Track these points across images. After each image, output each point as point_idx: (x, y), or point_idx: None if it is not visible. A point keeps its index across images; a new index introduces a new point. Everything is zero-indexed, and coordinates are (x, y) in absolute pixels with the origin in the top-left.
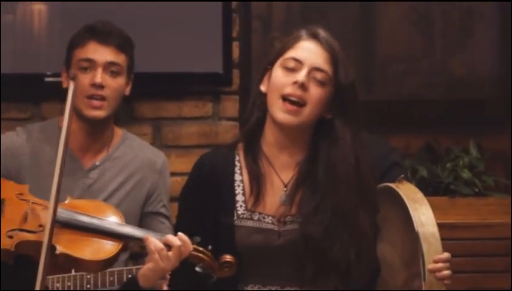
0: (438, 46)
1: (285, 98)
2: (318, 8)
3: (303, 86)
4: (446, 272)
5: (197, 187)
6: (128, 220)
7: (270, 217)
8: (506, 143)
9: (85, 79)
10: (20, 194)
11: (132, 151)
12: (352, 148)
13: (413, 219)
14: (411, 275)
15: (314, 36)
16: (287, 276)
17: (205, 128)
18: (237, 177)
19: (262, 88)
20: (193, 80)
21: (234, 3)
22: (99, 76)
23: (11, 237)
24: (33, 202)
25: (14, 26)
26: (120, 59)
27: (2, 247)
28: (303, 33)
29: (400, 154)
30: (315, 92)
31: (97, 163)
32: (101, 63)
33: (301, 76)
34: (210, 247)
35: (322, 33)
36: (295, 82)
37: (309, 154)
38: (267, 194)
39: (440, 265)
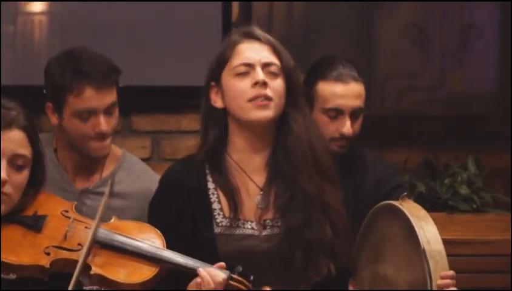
0: (437, 62)
1: (252, 100)
2: (317, 26)
3: (264, 83)
4: (453, 288)
5: (169, 198)
6: None
7: (249, 223)
8: (505, 159)
9: (86, 126)
10: (66, 211)
11: (129, 177)
12: (305, 130)
13: (419, 236)
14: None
15: (250, 36)
16: (274, 279)
17: None
18: (210, 185)
19: (216, 104)
20: (192, 94)
21: (234, 16)
22: (104, 124)
23: (48, 254)
24: (75, 219)
25: (14, 38)
26: (114, 95)
27: (37, 264)
28: (237, 36)
29: (401, 172)
30: (275, 85)
31: (90, 187)
32: (102, 109)
33: (258, 75)
34: (252, 278)
35: (255, 29)
36: (256, 83)
37: (275, 150)
38: (244, 201)
39: (448, 281)
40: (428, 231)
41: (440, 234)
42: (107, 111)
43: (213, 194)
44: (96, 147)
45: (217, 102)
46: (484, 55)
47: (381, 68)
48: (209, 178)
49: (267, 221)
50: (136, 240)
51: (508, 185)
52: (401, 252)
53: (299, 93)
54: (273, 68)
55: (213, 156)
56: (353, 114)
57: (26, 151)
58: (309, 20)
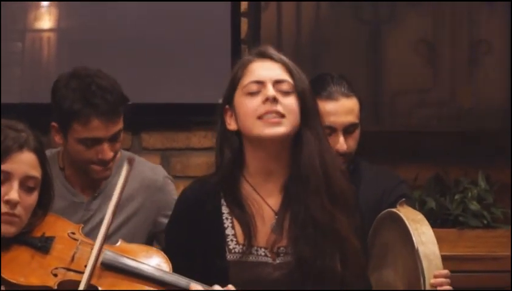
0: (446, 78)
1: (262, 117)
2: (326, 40)
3: (274, 100)
4: (447, 287)
5: (184, 222)
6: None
7: (263, 249)
8: None
9: (90, 152)
10: (73, 233)
11: (130, 173)
12: (318, 153)
13: (413, 237)
14: None
15: (263, 55)
16: None
17: (213, 159)
18: (224, 209)
19: (230, 127)
20: (202, 111)
21: (243, 33)
22: (108, 153)
23: (55, 275)
24: (82, 241)
25: (23, 55)
26: (121, 124)
27: (45, 284)
28: (250, 56)
29: (409, 187)
30: (287, 102)
31: (96, 194)
32: (107, 138)
33: (269, 91)
34: None
35: (268, 49)
36: (266, 99)
37: (290, 172)
38: (259, 226)
39: (441, 280)
40: (423, 232)
41: (451, 250)
42: (112, 139)
43: (227, 219)
44: (98, 170)
45: (231, 124)
46: (493, 70)
47: (391, 84)
48: (223, 202)
49: (281, 248)
50: (143, 263)
51: None
52: (400, 256)
53: (313, 113)
54: (285, 86)
55: (228, 180)
56: (347, 130)
57: (37, 172)
58: (317, 37)
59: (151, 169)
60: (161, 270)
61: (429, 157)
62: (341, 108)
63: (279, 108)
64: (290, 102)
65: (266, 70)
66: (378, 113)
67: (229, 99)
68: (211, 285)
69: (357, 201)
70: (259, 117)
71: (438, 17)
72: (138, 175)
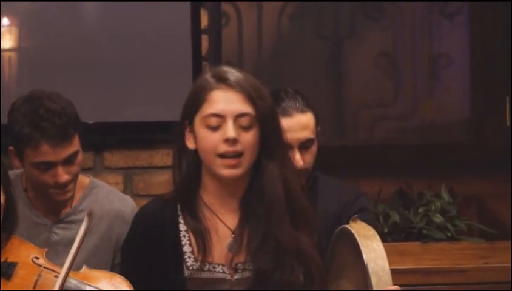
0: (408, 91)
1: (222, 156)
2: (287, 56)
3: (234, 141)
4: None
5: (141, 238)
6: None
7: (220, 266)
8: (478, 187)
9: (45, 176)
10: (37, 258)
11: (98, 202)
12: (279, 176)
13: (363, 254)
14: None
15: (223, 81)
16: None
17: None
18: (182, 227)
19: (189, 144)
20: (163, 129)
21: (204, 51)
22: (62, 176)
23: None
24: (45, 268)
25: None
26: (74, 147)
27: None
28: (210, 80)
29: (370, 200)
30: (247, 138)
31: (61, 217)
32: (60, 162)
33: (229, 131)
34: None
35: (230, 73)
36: (227, 140)
37: (247, 193)
38: (214, 244)
39: None
40: (373, 249)
41: (416, 263)
42: (66, 162)
43: (184, 236)
44: (57, 193)
45: (190, 142)
46: (454, 83)
47: (353, 98)
48: (181, 220)
49: (239, 264)
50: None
51: (482, 213)
52: (354, 270)
53: (275, 139)
54: (245, 120)
55: (185, 196)
56: (303, 146)
57: (0, 197)
58: (279, 52)
59: (120, 200)
60: None
61: (393, 171)
62: (295, 124)
63: (238, 147)
64: (250, 138)
65: (227, 103)
66: (341, 127)
67: (189, 117)
68: None
69: (316, 219)
70: (219, 155)
71: (399, 31)
72: (106, 206)
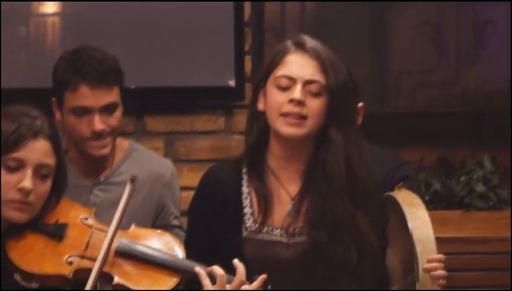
0: (451, 59)
1: (285, 115)
2: (329, 23)
3: (300, 103)
4: (441, 272)
5: (205, 201)
6: None
7: (278, 230)
8: None
9: (82, 124)
10: (86, 218)
11: (138, 165)
12: (344, 152)
13: (408, 222)
14: (409, 282)
15: (300, 46)
16: (296, 287)
17: (217, 143)
18: (244, 189)
19: (260, 106)
20: (205, 94)
21: (246, 16)
22: (99, 124)
23: (70, 263)
24: (96, 228)
25: (28, 40)
26: (113, 97)
27: (60, 273)
28: (289, 45)
29: (412, 168)
30: (313, 104)
31: (101, 179)
32: (97, 109)
33: (296, 93)
34: (269, 287)
35: (308, 41)
36: (292, 100)
37: (312, 164)
38: (275, 207)
39: (435, 264)
40: (418, 216)
41: (457, 232)
42: (104, 111)
43: (245, 198)
44: (93, 146)
45: (261, 103)
46: (499, 51)
47: (395, 65)
48: (245, 182)
49: (297, 229)
50: (157, 250)
51: None
52: (399, 239)
53: (344, 112)
54: (315, 87)
55: (253, 159)
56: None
57: (51, 160)
58: (321, 19)
59: (160, 164)
60: (176, 257)
61: (435, 139)
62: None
63: (303, 110)
64: (316, 105)
65: (300, 67)
66: (383, 95)
67: (264, 78)
68: (228, 259)
69: (381, 199)
70: (282, 114)
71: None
72: (146, 168)
